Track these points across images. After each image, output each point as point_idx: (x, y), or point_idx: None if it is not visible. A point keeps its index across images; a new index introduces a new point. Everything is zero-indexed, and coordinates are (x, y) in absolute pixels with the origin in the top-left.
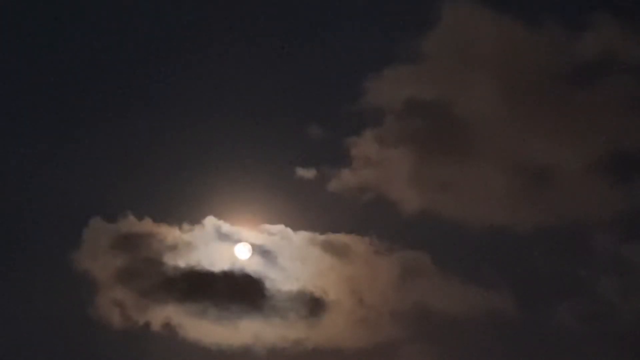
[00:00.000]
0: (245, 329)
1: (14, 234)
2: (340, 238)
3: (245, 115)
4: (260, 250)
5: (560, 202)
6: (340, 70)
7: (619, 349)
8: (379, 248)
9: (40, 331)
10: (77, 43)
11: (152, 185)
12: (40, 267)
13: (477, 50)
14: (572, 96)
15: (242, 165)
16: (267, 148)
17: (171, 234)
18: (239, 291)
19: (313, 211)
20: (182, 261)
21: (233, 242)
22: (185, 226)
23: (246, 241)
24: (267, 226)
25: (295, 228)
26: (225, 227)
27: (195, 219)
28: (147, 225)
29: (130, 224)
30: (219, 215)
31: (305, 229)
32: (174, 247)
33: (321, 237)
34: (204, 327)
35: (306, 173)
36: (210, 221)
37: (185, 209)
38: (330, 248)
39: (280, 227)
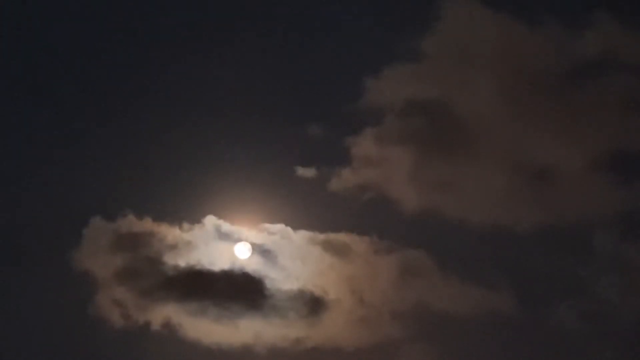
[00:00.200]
0: (246, 328)
1: (14, 234)
2: (340, 237)
3: (245, 115)
4: (261, 250)
5: (561, 201)
6: (340, 70)
7: (619, 348)
8: (379, 247)
9: (41, 330)
10: (78, 43)
11: (152, 185)
12: (40, 267)
13: (476, 50)
14: (572, 95)
15: (242, 164)
16: (267, 147)
17: (171, 233)
18: (239, 290)
19: (313, 210)
20: (182, 260)
21: (233, 241)
22: (185, 225)
23: (246, 240)
24: (267, 225)
25: (295, 227)
26: (226, 226)
27: (195, 219)
28: (147, 224)
29: (130, 223)
30: (219, 215)
31: (306, 228)
32: (174, 247)
33: (321, 237)
34: (204, 327)
35: (306, 172)
36: (210, 220)
37: (185, 209)
38: (330, 247)
39: (280, 227)
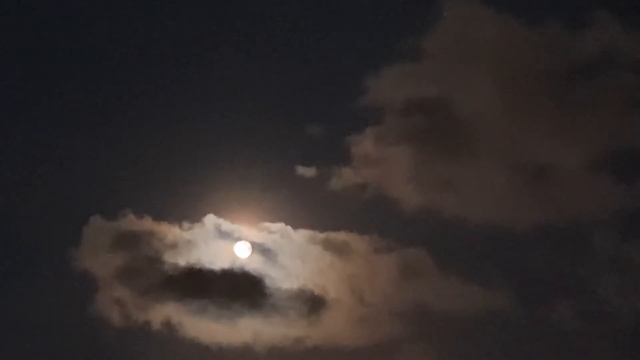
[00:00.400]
0: (245, 328)
1: (14, 232)
2: (341, 236)
3: (245, 114)
4: (261, 249)
5: (561, 200)
6: (340, 69)
7: (619, 348)
8: (379, 246)
9: (40, 330)
10: (78, 42)
11: (152, 184)
12: (40, 266)
13: (477, 49)
14: (572, 94)
15: (242, 163)
16: (267, 146)
17: (171, 232)
18: (239, 289)
19: (313, 209)
20: (182, 259)
21: (233, 240)
22: (185, 224)
23: (246, 239)
24: (267, 224)
25: (295, 226)
26: (226, 225)
27: (195, 217)
28: (147, 223)
29: (130, 222)
30: (219, 214)
31: (306, 227)
32: (174, 246)
33: (321, 236)
34: (204, 326)
35: (306, 171)
36: (210, 219)
37: (185, 207)
38: (330, 246)
39: (280, 226)
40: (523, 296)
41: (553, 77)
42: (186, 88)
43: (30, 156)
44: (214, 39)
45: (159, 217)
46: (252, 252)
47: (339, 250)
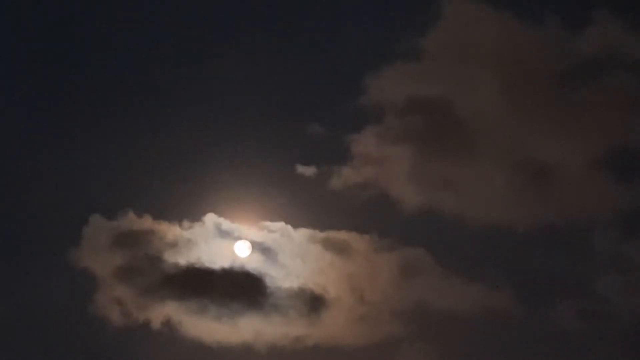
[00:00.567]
0: (246, 327)
1: (14, 231)
2: (341, 235)
3: (245, 113)
4: (261, 248)
5: (561, 200)
6: (340, 68)
7: (619, 347)
8: (379, 245)
9: (41, 329)
10: (78, 41)
11: (152, 183)
12: (40, 265)
13: (477, 48)
14: (572, 94)
15: (243, 162)
16: (267, 145)
17: (171, 231)
18: (239, 289)
19: (313, 208)
20: (182, 258)
21: (233, 239)
22: (186, 223)
23: (246, 238)
24: (268, 223)
25: (295, 225)
26: (226, 224)
27: (196, 216)
28: (147, 222)
29: (130, 221)
30: (219, 213)
31: (306, 226)
32: (174, 245)
33: (321, 235)
34: (204, 325)
35: (307, 170)
36: (210, 218)
37: (185, 206)
38: (330, 245)
39: (280, 225)
40: (523, 295)
41: (553, 77)
42: (186, 87)
43: (30, 155)
44: (214, 38)
45: (159, 216)
46: (252, 251)
47: (339, 249)
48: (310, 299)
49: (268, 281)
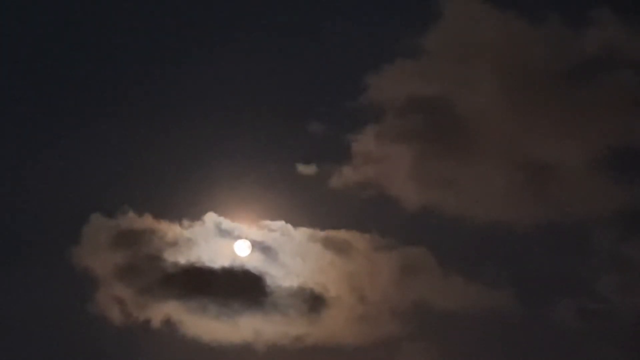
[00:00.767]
0: (246, 326)
1: (14, 230)
2: (341, 234)
3: (246, 112)
4: (261, 247)
5: (561, 199)
6: (341, 67)
7: (619, 346)
8: (379, 244)
9: (41, 328)
10: (78, 40)
11: (153, 182)
12: (40, 264)
13: (478, 47)
14: (573, 93)
15: (243, 161)
16: (267, 144)
17: (171, 230)
18: (239, 288)
19: (314, 207)
20: (182, 258)
21: (233, 238)
22: (186, 222)
23: (247, 237)
24: (268, 222)
25: (295, 224)
26: (226, 223)
27: (196, 216)
28: (147, 221)
29: (131, 220)
30: (219, 212)
31: (306, 225)
32: (174, 244)
33: (322, 234)
34: (204, 324)
35: (307, 169)
36: (210, 217)
37: (185, 205)
38: (330, 244)
39: (280, 224)
40: (523, 294)
41: (554, 76)
42: (187, 86)
43: (30, 154)
44: (214, 37)
45: (159, 215)
46: (253, 250)
47: (339, 248)
48: (310, 298)
49: (268, 280)
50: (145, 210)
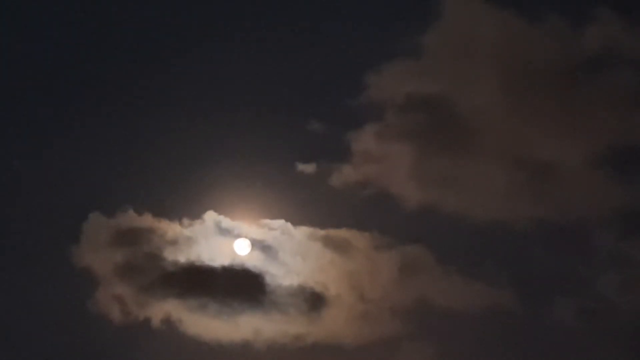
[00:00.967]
0: (246, 324)
1: (13, 229)
2: (341, 233)
3: (245, 111)
4: (261, 245)
5: (562, 197)
6: (341, 65)
7: (618, 345)
8: (379, 243)
9: (40, 326)
10: (78, 39)
11: (152, 180)
12: (39, 262)
13: (478, 45)
14: (573, 91)
15: (243, 160)
16: (267, 143)
17: (171, 229)
18: (239, 286)
19: (313, 206)
20: (182, 256)
21: (233, 237)
22: (185, 221)
23: (246, 236)
24: (268, 221)
25: (295, 223)
26: (226, 222)
27: (196, 214)
28: (147, 220)
29: (130, 219)
30: (219, 210)
31: (306, 224)
32: (174, 242)
33: (322, 232)
34: (204, 323)
35: (307, 168)
36: (210, 216)
37: (185, 204)
38: (330, 243)
39: (280, 222)
40: (523, 293)
41: (554, 74)
42: (186, 85)
43: (30, 153)
44: (214, 36)
45: (159, 213)
46: (252, 249)
47: (339, 247)
48: (310, 296)
49: (268, 279)
50: (145, 209)
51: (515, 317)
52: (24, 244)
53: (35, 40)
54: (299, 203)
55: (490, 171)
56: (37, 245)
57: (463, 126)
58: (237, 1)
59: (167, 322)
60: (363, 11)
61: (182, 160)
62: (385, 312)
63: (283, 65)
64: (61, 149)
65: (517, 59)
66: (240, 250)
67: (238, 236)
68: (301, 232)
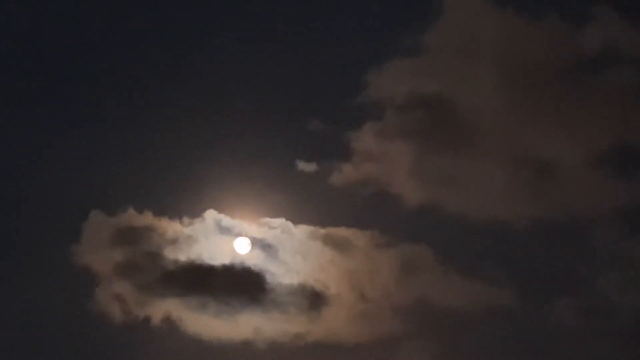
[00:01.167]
0: (246, 323)
1: (14, 228)
2: (341, 232)
3: (246, 110)
4: (261, 244)
5: (562, 196)
6: (341, 64)
7: (618, 345)
8: (380, 242)
9: (40, 325)
10: (77, 38)
11: (153, 179)
12: (40, 261)
13: (478, 44)
14: (574, 90)
15: (243, 158)
16: (268, 142)
17: (171, 227)
18: (240, 285)
19: (314, 205)
20: (182, 255)
21: (233, 235)
22: (186, 220)
23: (247, 235)
24: (268, 220)
25: (296, 222)
26: (226, 220)
27: (196, 213)
28: (147, 218)
29: (131, 217)
30: (219, 209)
31: (306, 222)
32: (174, 241)
33: (322, 231)
34: (204, 322)
35: (307, 167)
36: (210, 215)
37: (185, 203)
38: (331, 242)
39: (281, 221)
40: (524, 292)
41: (554, 73)
42: (186, 83)
43: (30, 152)
44: (214, 35)
45: (159, 212)
46: (253, 248)
47: (339, 245)
48: (310, 295)
49: (268, 278)
50: (145, 207)
51: (515, 317)
52: (24, 242)
53: (35, 40)
54: (299, 202)
55: (491, 170)
56: (37, 244)
57: (463, 125)
58: (237, 1)
59: (168, 320)
60: (363, 10)
61: (183, 158)
62: (386, 311)
63: (283, 65)
64: (61, 148)
65: (517, 59)
66: (240, 249)
67: (238, 235)
68: (301, 231)
